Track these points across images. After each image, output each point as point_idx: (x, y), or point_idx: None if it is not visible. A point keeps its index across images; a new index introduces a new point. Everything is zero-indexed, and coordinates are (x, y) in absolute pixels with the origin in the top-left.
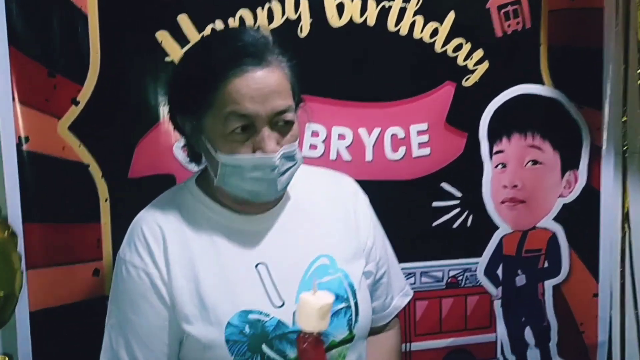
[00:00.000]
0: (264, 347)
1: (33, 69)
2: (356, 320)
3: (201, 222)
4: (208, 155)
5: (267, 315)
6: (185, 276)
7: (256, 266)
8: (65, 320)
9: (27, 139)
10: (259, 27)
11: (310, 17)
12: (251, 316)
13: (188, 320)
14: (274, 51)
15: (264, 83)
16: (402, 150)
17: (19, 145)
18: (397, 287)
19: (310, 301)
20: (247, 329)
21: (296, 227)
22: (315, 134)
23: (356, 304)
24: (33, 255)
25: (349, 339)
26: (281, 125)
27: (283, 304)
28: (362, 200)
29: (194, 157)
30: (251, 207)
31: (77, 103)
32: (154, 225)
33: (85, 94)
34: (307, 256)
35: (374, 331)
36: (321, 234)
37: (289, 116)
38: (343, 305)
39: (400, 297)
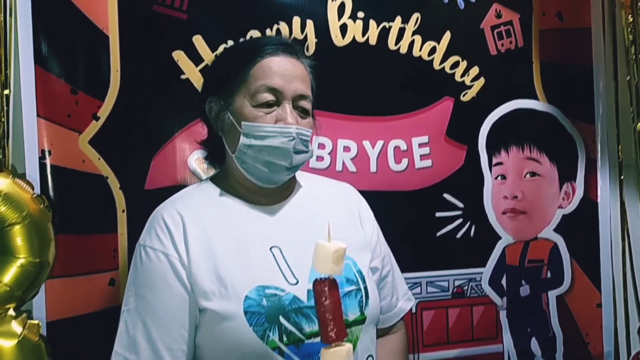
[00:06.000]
0: (281, 319)
1: (57, 86)
2: (366, 303)
3: (218, 212)
4: (230, 132)
5: (283, 290)
6: (203, 256)
7: (270, 249)
8: (81, 330)
9: (49, 152)
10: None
11: (316, 37)
12: (268, 291)
13: (207, 296)
14: (301, 53)
15: (292, 67)
16: (404, 162)
17: (41, 159)
18: (402, 289)
19: (326, 246)
20: (264, 302)
21: (305, 217)
22: (321, 146)
23: (365, 288)
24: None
25: (361, 320)
26: (300, 110)
27: (297, 282)
28: (364, 203)
29: (212, 155)
30: (264, 196)
31: (97, 118)
32: (174, 212)
33: (105, 109)
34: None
35: (381, 333)
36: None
37: (308, 105)
38: (353, 287)
39: (405, 300)
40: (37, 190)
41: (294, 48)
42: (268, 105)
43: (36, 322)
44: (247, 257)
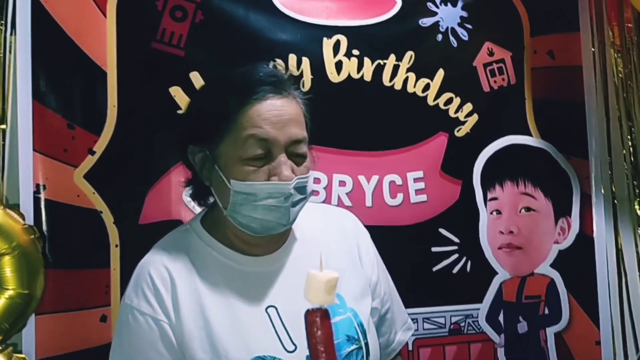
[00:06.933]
0: None
1: (54, 121)
2: None
3: (209, 266)
4: (219, 186)
5: None
6: (195, 323)
7: (266, 309)
8: None
9: (44, 186)
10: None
11: (312, 73)
12: None
13: None
14: (291, 85)
15: (284, 110)
16: (400, 196)
17: (36, 193)
18: (400, 321)
19: (318, 276)
20: None
21: (304, 267)
22: (317, 180)
23: (366, 344)
24: (42, 300)
25: None
26: (295, 156)
27: (295, 349)
28: (363, 234)
29: (198, 194)
30: (259, 246)
31: (93, 153)
32: (162, 269)
33: (101, 144)
34: None
35: None
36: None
37: (304, 148)
38: (354, 347)
39: (403, 331)
40: (31, 224)
41: (283, 83)
42: (259, 157)
43: (22, 356)
44: (241, 321)
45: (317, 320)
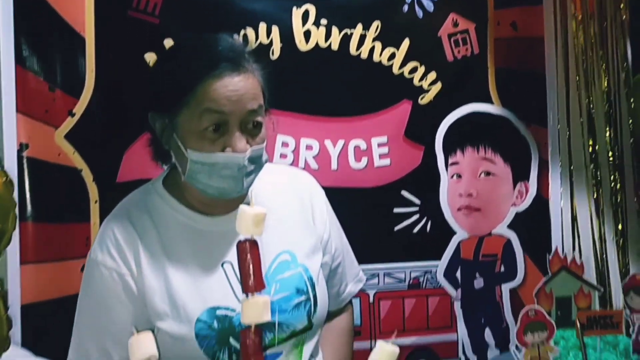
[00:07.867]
0: (231, 340)
1: (36, 84)
2: (314, 311)
3: (170, 224)
4: (178, 153)
5: (233, 310)
6: (156, 276)
7: (222, 265)
8: (53, 313)
9: (27, 145)
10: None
11: (281, 42)
12: (219, 312)
13: (160, 317)
14: (249, 58)
15: (240, 86)
16: (364, 160)
17: (19, 151)
18: (351, 274)
19: (247, 210)
20: (215, 324)
21: None
22: (285, 144)
23: (315, 296)
24: (27, 251)
25: (308, 328)
26: (251, 128)
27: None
28: (318, 194)
29: (160, 155)
30: (216, 207)
31: (73, 114)
32: (125, 227)
33: (80, 106)
34: (270, 253)
35: (328, 316)
36: (282, 231)
37: (259, 118)
38: (303, 298)
39: (354, 283)
40: (15, 181)
41: (241, 58)
42: (215, 129)
43: None
44: (199, 276)
45: (247, 248)
